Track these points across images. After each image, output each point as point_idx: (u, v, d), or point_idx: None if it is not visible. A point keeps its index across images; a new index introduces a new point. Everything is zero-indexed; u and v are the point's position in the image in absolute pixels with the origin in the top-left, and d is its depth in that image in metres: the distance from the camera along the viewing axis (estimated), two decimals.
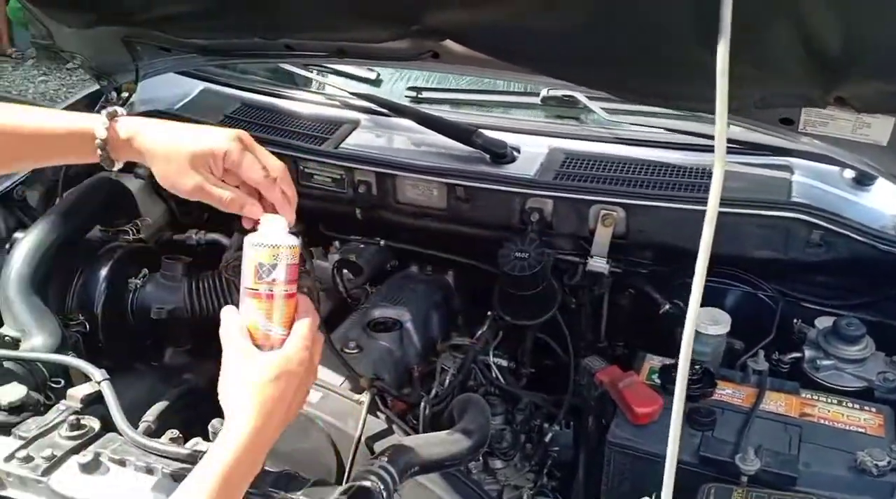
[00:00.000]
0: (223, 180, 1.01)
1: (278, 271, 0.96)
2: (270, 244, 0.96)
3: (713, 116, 1.32)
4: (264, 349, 0.97)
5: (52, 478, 1.14)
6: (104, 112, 1.01)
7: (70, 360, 1.39)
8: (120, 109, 1.03)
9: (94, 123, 1.00)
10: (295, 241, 0.99)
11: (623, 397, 1.28)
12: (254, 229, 1.00)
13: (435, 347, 1.74)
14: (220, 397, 0.98)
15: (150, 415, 1.64)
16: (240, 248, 1.86)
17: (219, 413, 1.50)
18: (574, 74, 1.29)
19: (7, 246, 1.67)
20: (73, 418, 1.23)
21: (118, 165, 1.05)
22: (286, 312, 0.98)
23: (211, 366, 1.88)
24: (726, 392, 1.36)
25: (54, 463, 1.16)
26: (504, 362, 1.71)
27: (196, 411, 1.76)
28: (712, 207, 0.82)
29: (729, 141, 1.63)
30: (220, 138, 0.99)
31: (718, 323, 1.48)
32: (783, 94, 1.20)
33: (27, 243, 1.60)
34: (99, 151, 1.00)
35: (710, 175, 1.57)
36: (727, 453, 1.21)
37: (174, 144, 0.99)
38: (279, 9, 1.39)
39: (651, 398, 1.28)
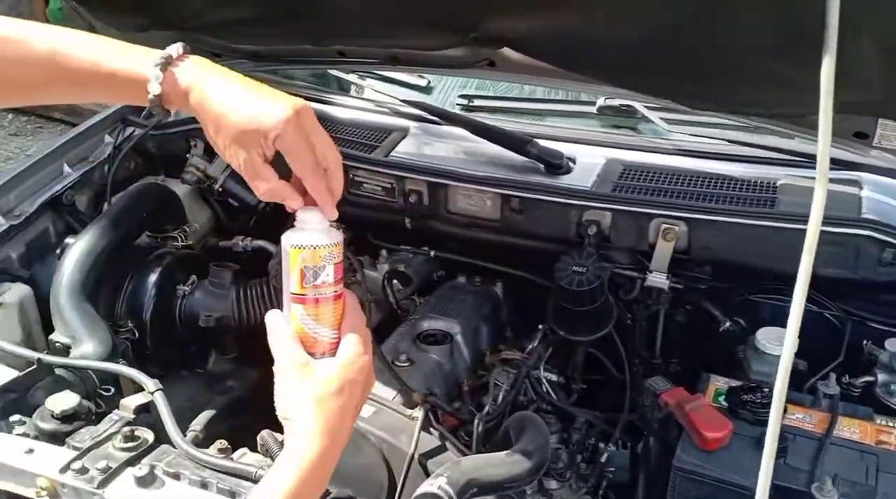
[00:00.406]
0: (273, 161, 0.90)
1: (325, 274, 0.89)
2: (314, 245, 0.88)
3: (778, 127, 1.28)
4: (315, 355, 0.91)
5: (108, 490, 1.13)
6: (160, 58, 0.87)
7: (123, 369, 1.37)
8: (178, 49, 0.88)
9: (149, 72, 0.87)
10: (339, 236, 0.91)
11: (691, 420, 1.23)
12: (293, 226, 0.91)
13: (483, 361, 1.70)
14: (278, 413, 0.92)
15: (198, 424, 1.63)
16: None
17: (263, 422, 1.49)
18: (646, 85, 1.25)
19: (58, 251, 1.67)
20: (127, 429, 1.21)
21: (171, 115, 0.93)
22: (335, 314, 0.92)
23: (254, 374, 1.89)
24: (797, 417, 1.30)
25: (109, 475, 1.14)
26: (553, 377, 1.66)
27: (241, 420, 1.75)
28: (814, 227, 0.76)
29: (795, 153, 1.59)
30: (274, 116, 0.85)
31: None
32: (864, 105, 1.15)
33: (78, 249, 1.59)
34: (151, 104, 0.89)
35: (775, 188, 1.54)
36: (802, 482, 1.16)
37: (226, 112, 0.87)
38: (335, 15, 1.37)
39: (720, 423, 1.23)
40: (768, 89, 1.08)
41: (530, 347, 1.64)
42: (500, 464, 1.23)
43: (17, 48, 0.90)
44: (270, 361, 1.76)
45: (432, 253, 1.78)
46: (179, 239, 1.83)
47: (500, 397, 1.55)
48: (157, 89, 0.87)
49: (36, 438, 1.27)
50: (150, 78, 0.87)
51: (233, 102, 0.86)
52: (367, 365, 0.92)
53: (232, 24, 1.54)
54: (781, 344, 1.39)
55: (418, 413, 1.42)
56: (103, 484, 1.12)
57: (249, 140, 0.86)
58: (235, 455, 1.36)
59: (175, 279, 1.76)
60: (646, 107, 1.66)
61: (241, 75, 0.91)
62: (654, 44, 1.10)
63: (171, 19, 1.54)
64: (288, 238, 0.89)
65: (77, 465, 1.15)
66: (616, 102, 1.73)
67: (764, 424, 1.27)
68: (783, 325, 1.49)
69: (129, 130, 2.00)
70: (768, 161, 1.59)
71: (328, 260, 0.88)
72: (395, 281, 1.75)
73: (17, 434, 1.27)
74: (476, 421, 1.45)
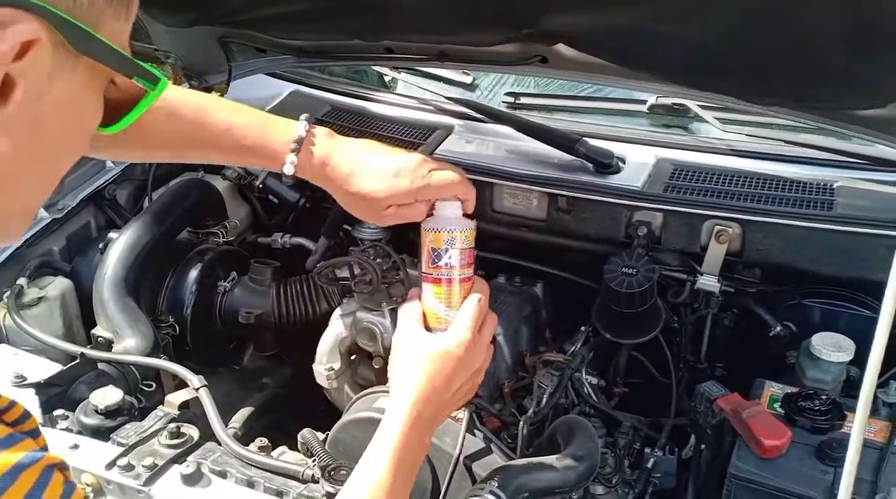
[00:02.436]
0: None
1: (448, 256, 0.97)
2: (444, 228, 0.97)
3: (832, 128, 1.23)
4: (433, 331, 0.98)
5: (154, 488, 1.12)
6: (293, 143, 0.99)
7: (169, 365, 1.37)
8: (304, 127, 1.00)
9: (285, 155, 0.99)
10: (470, 224, 0.99)
11: (749, 427, 1.20)
12: (430, 214, 1.00)
13: (524, 362, 1.67)
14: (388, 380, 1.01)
15: (237, 421, 1.63)
16: (324, 254, 1.85)
17: (298, 419, 1.48)
18: (709, 83, 1.21)
19: (101, 246, 1.67)
20: (172, 425, 1.21)
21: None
22: (458, 295, 0.99)
23: (289, 371, 1.87)
24: None
25: (156, 472, 1.13)
26: (594, 380, 1.63)
27: (276, 417, 1.74)
28: None
29: (853, 155, 1.55)
30: (408, 178, 0.97)
31: (842, 350, 1.38)
32: None
33: (121, 245, 1.59)
34: (285, 179, 1.01)
35: (832, 190, 1.50)
36: (865, 493, 1.12)
37: (366, 191, 0.99)
38: (385, 10, 1.34)
39: (779, 430, 1.19)
40: (838, 86, 1.04)
41: (573, 349, 1.61)
42: (550, 468, 1.20)
43: (167, 107, 1.00)
44: (308, 358, 1.75)
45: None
46: (220, 235, 1.82)
47: (544, 399, 1.52)
48: (291, 170, 0.99)
49: (79, 432, 1.26)
50: (285, 161, 0.99)
51: (371, 181, 0.98)
52: (469, 342, 0.96)
53: (278, 18, 1.52)
54: (838, 350, 1.38)
55: (463, 415, 1.40)
56: (149, 481, 1.12)
57: (390, 210, 0.99)
58: (275, 453, 1.35)
59: (216, 275, 1.75)
60: (700, 106, 1.62)
61: (364, 142, 1.04)
62: (720, 41, 1.07)
63: (217, 15, 1.53)
64: (424, 222, 1.00)
65: (123, 461, 1.14)
66: (668, 101, 1.69)
67: (822, 432, 1.24)
68: (835, 329, 1.46)
69: None
70: (825, 162, 1.54)
71: (452, 244, 0.98)
72: None
73: (61, 429, 1.26)
74: (521, 424, 1.42)
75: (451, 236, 0.97)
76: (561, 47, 1.32)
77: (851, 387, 1.46)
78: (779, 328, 1.53)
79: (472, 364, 0.98)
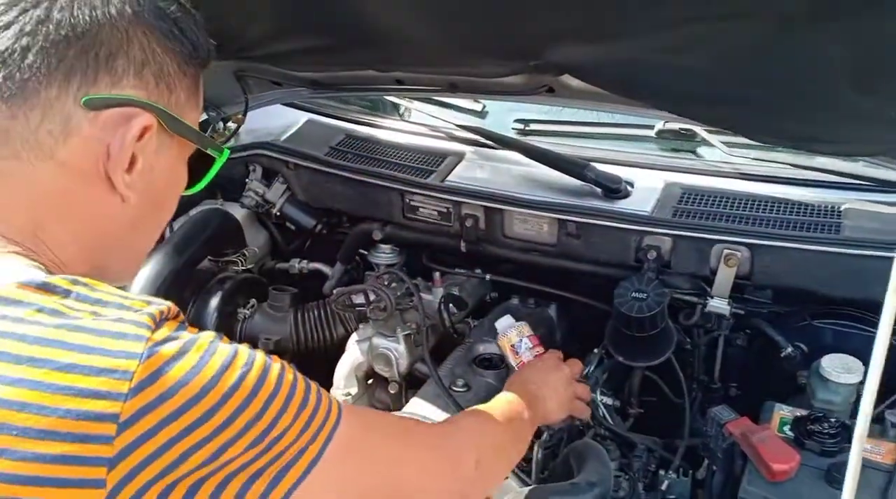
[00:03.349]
0: None
1: (523, 345, 1.50)
2: (507, 334, 1.52)
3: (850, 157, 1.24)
4: None
5: None
6: None
7: None
8: None
9: None
10: (521, 324, 1.54)
11: (757, 451, 1.21)
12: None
13: None
14: None
15: None
16: (341, 279, 1.89)
17: None
18: (709, 116, 1.24)
19: None
20: None
21: None
22: None
23: None
24: (865, 448, 1.26)
25: None
26: (609, 401, 1.65)
27: None
28: None
29: (860, 177, 1.56)
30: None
31: (851, 371, 1.39)
32: None
33: (144, 275, 1.63)
34: None
35: (839, 213, 1.51)
36: None
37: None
38: (395, 44, 1.38)
39: (787, 454, 1.21)
40: (840, 122, 1.06)
41: (586, 370, 1.63)
42: (562, 494, 1.22)
43: None
44: (324, 382, 1.82)
45: (487, 277, 1.78)
46: (239, 263, 1.87)
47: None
48: None
49: None
50: None
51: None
52: (554, 365, 1.40)
53: (290, 53, 1.56)
54: (847, 372, 1.39)
55: None
56: None
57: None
58: None
59: (236, 303, 1.80)
60: (706, 130, 1.64)
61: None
62: (719, 74, 1.09)
63: (232, 50, 1.57)
64: (497, 338, 1.54)
65: None
66: (676, 126, 1.71)
67: (831, 455, 1.25)
68: (846, 351, 1.48)
69: None
70: (832, 184, 1.56)
71: (521, 336, 1.50)
72: (450, 305, 1.75)
73: None
74: (536, 448, 1.44)
75: (517, 333, 1.51)
76: (566, 78, 1.35)
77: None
78: (790, 349, 1.54)
79: (557, 366, 1.39)
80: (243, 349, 0.72)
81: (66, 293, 0.68)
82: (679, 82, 1.15)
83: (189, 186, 0.91)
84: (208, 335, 0.71)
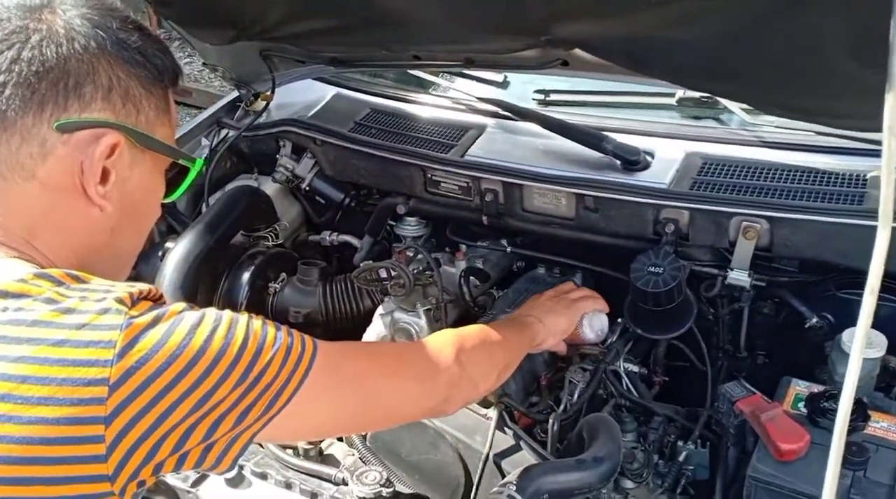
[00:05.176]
0: None
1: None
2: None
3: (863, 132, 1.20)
4: None
5: (201, 489, 1.23)
6: None
7: None
8: None
9: None
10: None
11: (766, 430, 1.21)
12: None
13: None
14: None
15: None
16: (370, 251, 1.93)
17: None
18: (715, 87, 1.21)
19: (160, 253, 1.79)
20: None
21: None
22: None
23: None
24: (880, 426, 1.25)
25: (203, 474, 1.24)
26: (635, 368, 1.65)
27: None
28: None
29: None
30: None
31: (873, 345, 1.36)
32: None
33: (177, 254, 1.69)
34: None
35: (864, 182, 1.46)
36: (883, 498, 1.12)
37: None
38: (410, 24, 1.39)
39: (797, 434, 1.20)
40: (843, 96, 1.03)
41: (609, 341, 1.64)
42: (569, 470, 1.25)
43: None
44: None
45: (509, 249, 1.79)
46: (270, 238, 1.93)
47: (577, 393, 1.56)
48: None
49: None
50: None
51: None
52: (567, 288, 1.57)
53: (309, 34, 1.59)
54: (868, 346, 1.36)
55: (493, 413, 1.46)
56: (197, 483, 1.23)
57: None
58: (324, 445, 1.44)
59: (267, 277, 1.86)
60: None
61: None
62: (721, 47, 1.07)
63: (254, 32, 1.60)
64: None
65: None
66: (696, 94, 1.67)
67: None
68: (873, 322, 1.43)
69: (224, 132, 2.11)
70: (856, 152, 1.50)
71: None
72: (471, 278, 1.77)
73: None
74: (551, 421, 1.47)
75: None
76: (579, 52, 1.34)
77: (893, 377, 1.44)
78: (815, 320, 1.52)
79: (563, 310, 1.50)
80: (211, 311, 0.83)
81: (59, 283, 0.79)
82: (683, 56, 1.14)
83: (170, 193, 1.00)
84: (178, 305, 0.81)
